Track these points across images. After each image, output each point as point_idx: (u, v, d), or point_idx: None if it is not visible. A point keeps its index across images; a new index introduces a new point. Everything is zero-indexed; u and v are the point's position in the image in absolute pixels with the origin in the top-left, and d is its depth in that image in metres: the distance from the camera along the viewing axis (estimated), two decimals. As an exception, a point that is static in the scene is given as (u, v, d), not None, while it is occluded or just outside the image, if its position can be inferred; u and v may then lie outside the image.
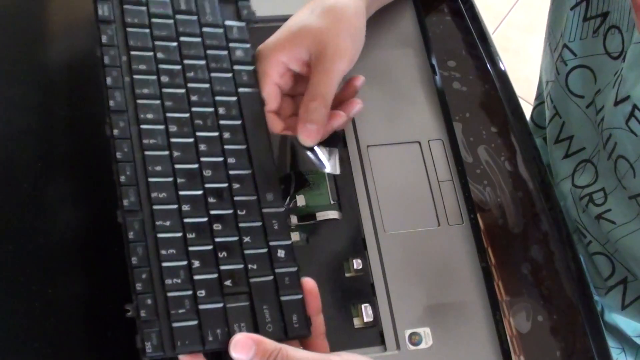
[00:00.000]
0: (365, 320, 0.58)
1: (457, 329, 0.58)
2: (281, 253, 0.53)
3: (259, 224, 0.54)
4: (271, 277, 0.52)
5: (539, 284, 0.61)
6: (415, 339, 0.58)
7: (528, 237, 0.63)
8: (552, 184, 0.67)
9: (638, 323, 0.72)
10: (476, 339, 0.58)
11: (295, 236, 0.61)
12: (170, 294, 0.50)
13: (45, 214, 0.55)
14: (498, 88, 0.69)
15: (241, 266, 0.52)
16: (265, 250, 0.53)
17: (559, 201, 0.67)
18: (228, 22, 0.61)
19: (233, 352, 0.48)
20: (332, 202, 0.63)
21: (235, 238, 0.53)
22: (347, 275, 0.60)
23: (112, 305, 0.56)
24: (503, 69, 0.71)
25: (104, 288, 0.56)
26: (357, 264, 0.60)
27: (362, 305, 0.59)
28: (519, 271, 0.61)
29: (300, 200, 0.62)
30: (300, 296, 0.52)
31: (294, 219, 0.61)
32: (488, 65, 0.71)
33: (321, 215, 0.62)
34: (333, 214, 0.62)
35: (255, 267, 0.52)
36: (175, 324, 0.49)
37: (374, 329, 0.58)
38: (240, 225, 0.53)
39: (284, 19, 0.69)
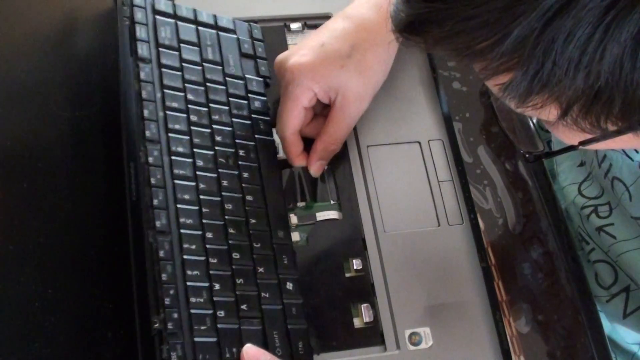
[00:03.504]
0: (365, 320, 0.58)
1: (457, 329, 0.58)
2: (289, 285, 0.57)
3: (271, 257, 0.58)
4: (280, 306, 0.57)
5: (539, 284, 0.61)
6: (415, 339, 0.58)
7: (528, 237, 0.63)
8: (552, 184, 0.67)
9: (638, 332, 0.71)
10: (476, 339, 0.58)
11: (295, 236, 0.61)
12: (193, 311, 0.54)
13: (46, 213, 0.55)
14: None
15: (255, 293, 0.56)
16: (276, 281, 0.57)
17: (559, 202, 0.67)
18: (248, 76, 0.67)
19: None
20: (332, 202, 0.63)
21: (251, 267, 0.57)
22: (347, 275, 0.60)
23: (112, 305, 0.56)
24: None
25: (104, 288, 0.56)
26: (357, 264, 0.60)
27: (362, 305, 0.59)
28: (519, 271, 0.61)
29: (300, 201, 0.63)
30: (304, 326, 0.56)
31: (294, 219, 0.61)
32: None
33: (321, 215, 0.62)
34: (333, 214, 0.62)
35: (267, 295, 0.57)
36: (197, 339, 0.53)
37: (374, 329, 0.58)
38: (255, 255, 0.58)
39: (283, 18, 0.69)
